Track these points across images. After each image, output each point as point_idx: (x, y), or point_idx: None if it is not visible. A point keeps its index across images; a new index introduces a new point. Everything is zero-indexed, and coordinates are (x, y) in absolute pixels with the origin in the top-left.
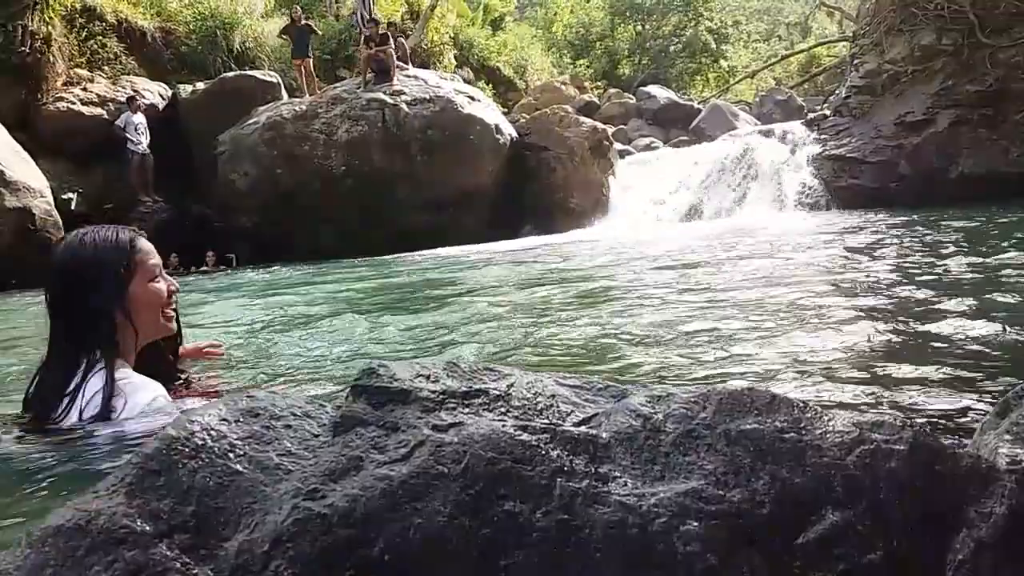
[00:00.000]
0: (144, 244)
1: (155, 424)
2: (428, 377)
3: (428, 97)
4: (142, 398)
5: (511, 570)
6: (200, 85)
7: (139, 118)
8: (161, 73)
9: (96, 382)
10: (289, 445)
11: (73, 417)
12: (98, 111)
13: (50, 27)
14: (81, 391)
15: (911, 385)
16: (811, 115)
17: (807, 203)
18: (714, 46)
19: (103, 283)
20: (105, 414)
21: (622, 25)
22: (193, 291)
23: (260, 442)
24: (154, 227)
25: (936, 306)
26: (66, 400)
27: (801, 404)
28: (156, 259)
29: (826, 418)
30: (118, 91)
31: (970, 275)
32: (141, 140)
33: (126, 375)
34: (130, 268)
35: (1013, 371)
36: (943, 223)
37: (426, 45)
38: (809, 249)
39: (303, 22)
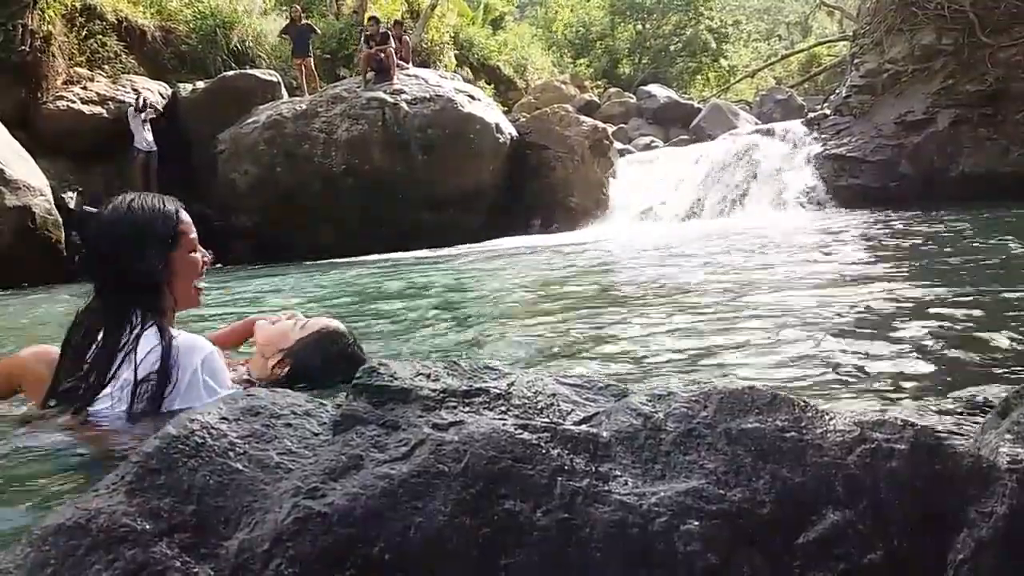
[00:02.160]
0: (186, 216)
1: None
2: (428, 376)
3: (428, 96)
4: (195, 358)
5: (511, 569)
6: (200, 84)
7: (144, 115)
8: (161, 72)
9: (148, 341)
10: (289, 444)
11: (124, 378)
12: (98, 110)
13: (50, 26)
14: (133, 352)
15: (912, 384)
16: (811, 114)
17: (807, 202)
18: (714, 45)
19: (151, 248)
20: (165, 373)
21: (622, 24)
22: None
23: (260, 441)
24: None
25: (936, 305)
26: (115, 365)
27: (802, 403)
28: (194, 232)
29: (827, 417)
30: (118, 90)
31: (970, 274)
32: (147, 136)
33: (176, 333)
34: (176, 237)
35: (1014, 370)
36: (943, 222)
37: (426, 44)
38: (809, 248)
39: (303, 22)
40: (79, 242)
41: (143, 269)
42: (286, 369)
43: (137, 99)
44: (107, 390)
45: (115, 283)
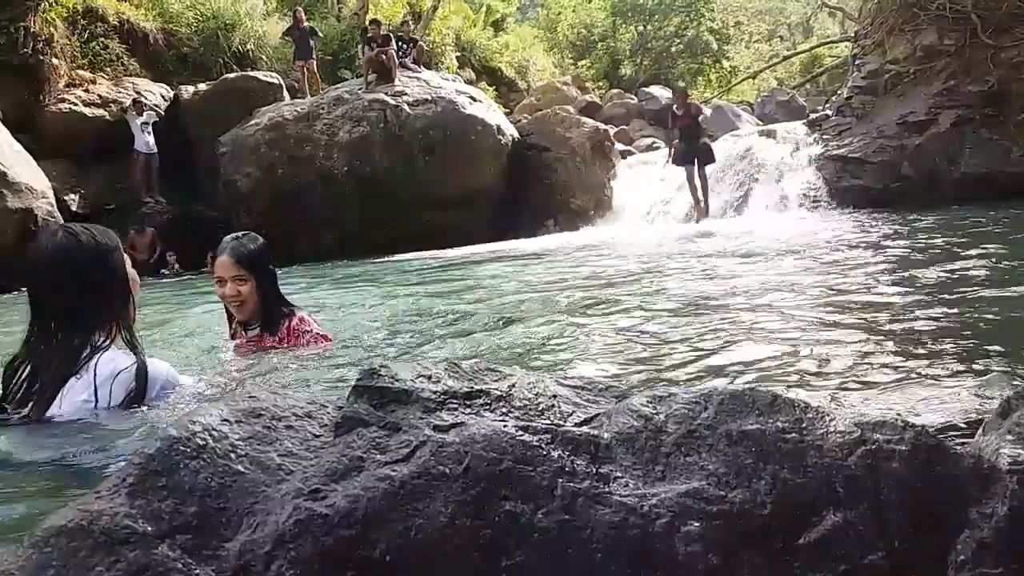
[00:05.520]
0: None
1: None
2: (429, 377)
3: (430, 98)
4: (159, 381)
5: (512, 570)
6: (202, 86)
7: (146, 116)
8: (163, 74)
9: (110, 362)
10: (291, 445)
11: (82, 397)
12: (100, 112)
13: (52, 28)
14: (92, 372)
15: (912, 385)
16: (813, 115)
17: (809, 203)
18: (716, 46)
19: (118, 268)
20: (141, 390)
21: (624, 26)
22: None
23: (262, 442)
24: (156, 227)
25: (938, 306)
26: (70, 381)
27: (802, 404)
28: None
29: (827, 418)
30: (120, 92)
31: (972, 275)
32: (147, 139)
33: (156, 369)
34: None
35: (1015, 371)
36: (945, 223)
37: (428, 46)
38: (811, 249)
39: (305, 24)
40: (47, 270)
41: (119, 284)
42: None
43: (133, 102)
44: (77, 397)
45: (76, 308)
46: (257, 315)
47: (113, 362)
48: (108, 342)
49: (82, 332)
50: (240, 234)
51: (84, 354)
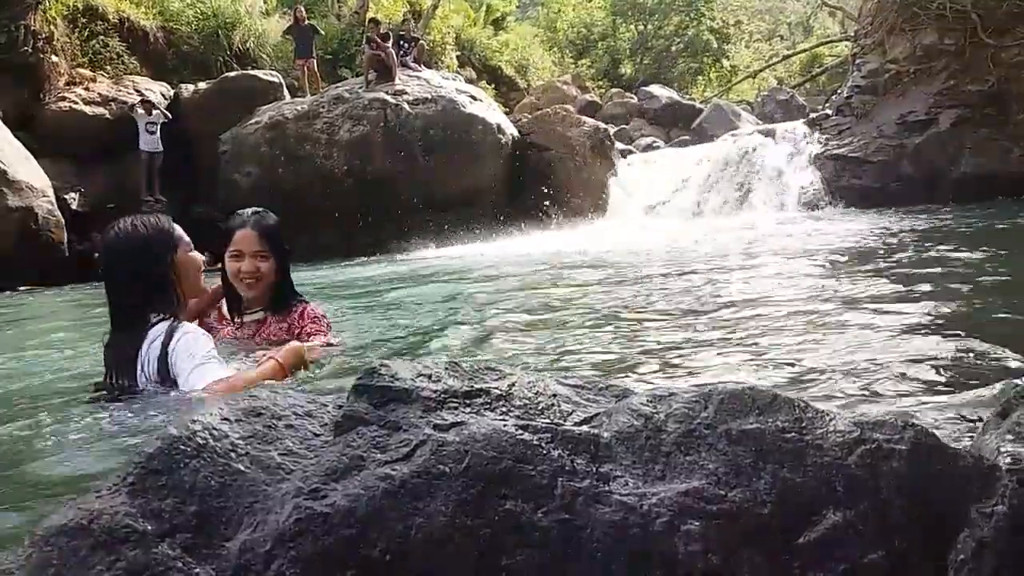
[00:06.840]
0: (177, 227)
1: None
2: (430, 377)
3: (430, 97)
4: (200, 347)
5: (512, 570)
6: (202, 85)
7: (154, 116)
8: (163, 73)
9: (154, 334)
10: (291, 444)
11: (139, 372)
12: (100, 111)
13: (52, 27)
14: (145, 345)
15: (912, 385)
16: (813, 115)
17: (809, 203)
18: (716, 46)
19: (162, 254)
20: (163, 361)
21: (624, 25)
22: None
23: (262, 441)
24: None
25: (938, 306)
26: (137, 353)
27: (802, 404)
28: (187, 238)
29: (827, 418)
30: (120, 91)
31: (972, 275)
32: (150, 138)
33: (185, 327)
34: (175, 242)
35: (1015, 371)
36: (945, 223)
37: (428, 45)
38: (810, 249)
39: (306, 22)
40: (103, 266)
41: (162, 272)
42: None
43: (142, 101)
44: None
45: (134, 291)
46: (265, 297)
47: (156, 336)
48: (163, 320)
49: (140, 315)
50: (258, 208)
51: (143, 334)
